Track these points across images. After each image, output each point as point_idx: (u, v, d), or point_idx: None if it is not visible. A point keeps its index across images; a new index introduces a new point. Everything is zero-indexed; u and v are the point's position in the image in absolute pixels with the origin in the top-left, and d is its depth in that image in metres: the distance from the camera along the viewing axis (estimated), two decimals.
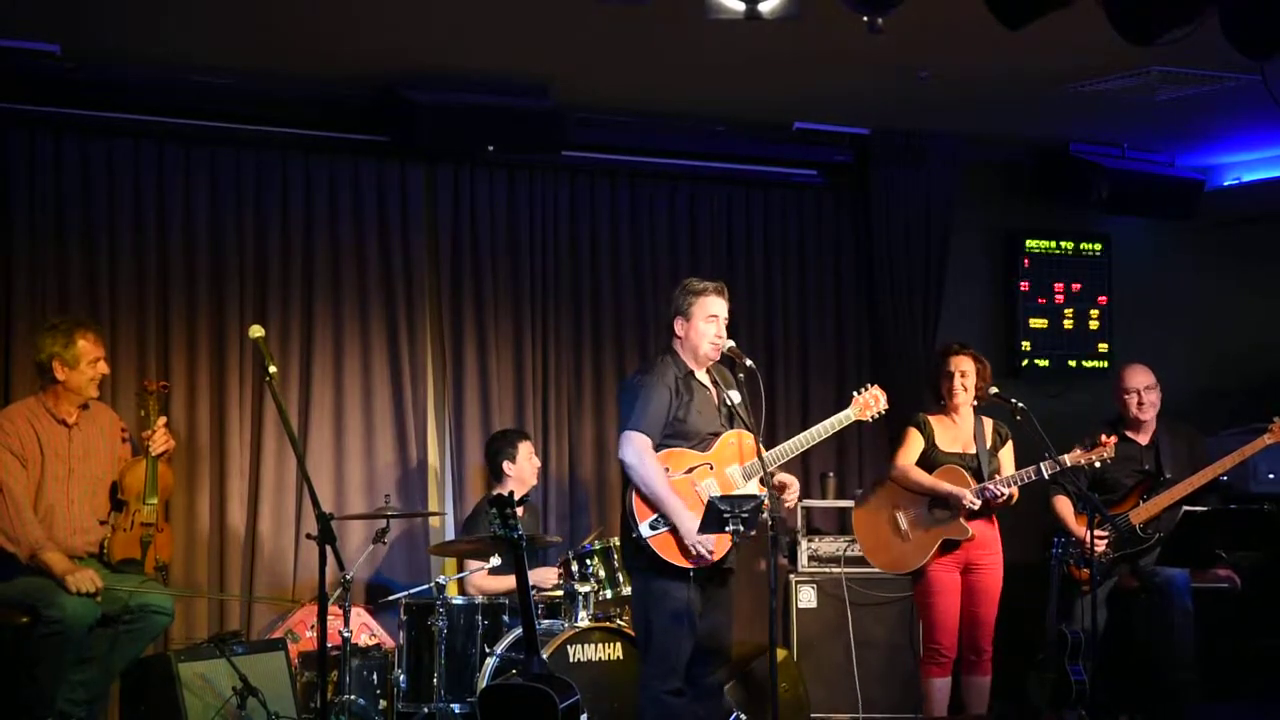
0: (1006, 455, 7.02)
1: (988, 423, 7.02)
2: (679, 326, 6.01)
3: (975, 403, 6.98)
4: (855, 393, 6.35)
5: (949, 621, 6.86)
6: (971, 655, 6.93)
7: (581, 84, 7.38)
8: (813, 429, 6.18)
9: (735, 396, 6.00)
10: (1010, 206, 9.22)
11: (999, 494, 6.77)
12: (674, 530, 5.77)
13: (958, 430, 6.98)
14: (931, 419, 7.00)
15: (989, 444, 6.97)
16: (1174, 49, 4.78)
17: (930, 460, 6.93)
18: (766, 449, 5.92)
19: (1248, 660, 8.02)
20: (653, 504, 5.80)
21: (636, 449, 5.83)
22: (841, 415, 6.25)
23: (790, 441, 6.12)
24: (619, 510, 6.04)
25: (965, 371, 6.91)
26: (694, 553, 5.75)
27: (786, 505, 6.17)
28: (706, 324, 5.96)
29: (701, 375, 6.04)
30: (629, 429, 5.87)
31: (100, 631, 6.18)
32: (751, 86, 7.46)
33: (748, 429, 5.93)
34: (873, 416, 6.34)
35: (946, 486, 6.81)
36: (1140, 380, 7.48)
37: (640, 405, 5.88)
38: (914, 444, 6.96)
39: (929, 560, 6.84)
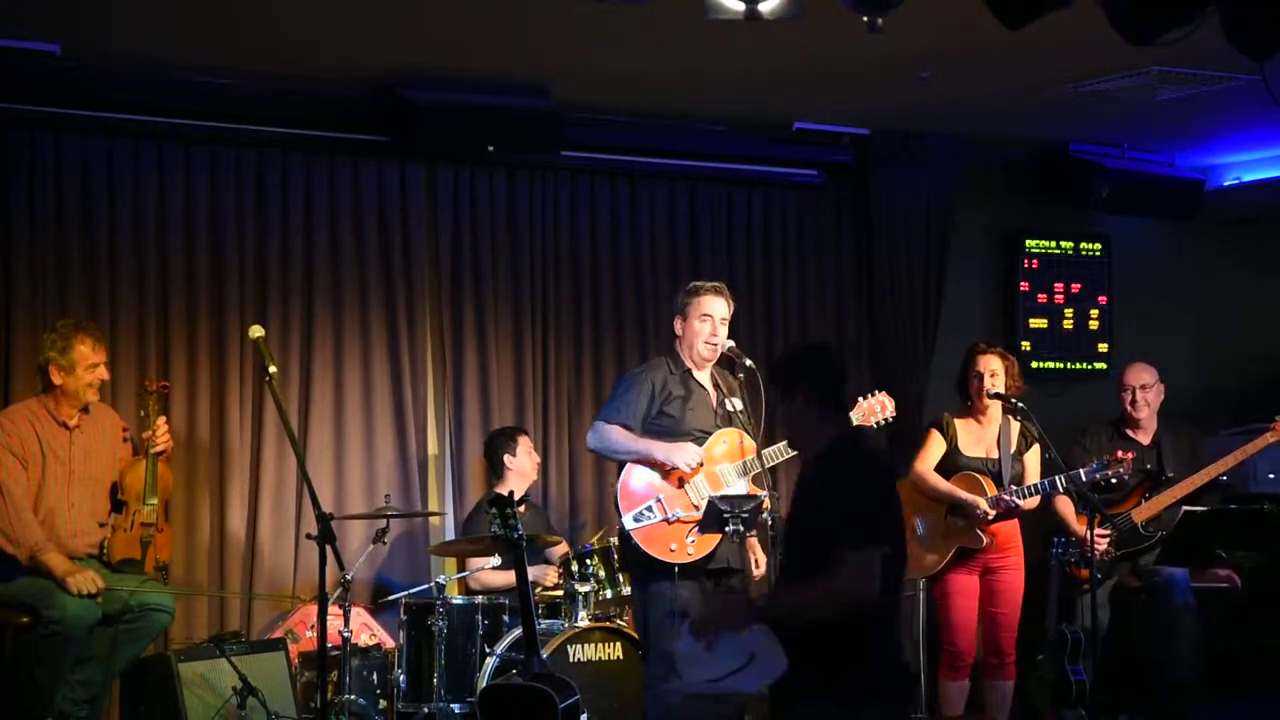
0: (1032, 459, 6.91)
1: (1015, 425, 6.89)
2: (678, 326, 6.06)
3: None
4: (860, 397, 6.28)
5: (966, 625, 6.82)
6: (993, 659, 6.88)
7: (581, 84, 7.38)
8: None
9: (736, 404, 5.99)
10: (1010, 206, 9.21)
11: (1015, 504, 6.69)
12: (660, 523, 5.82)
13: (982, 432, 6.87)
14: (956, 420, 6.89)
15: (1014, 447, 6.86)
16: (1174, 49, 4.76)
17: (952, 464, 6.82)
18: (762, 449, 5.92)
19: (1248, 660, 8.01)
20: (638, 490, 5.85)
21: (597, 433, 5.98)
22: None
23: (782, 444, 6.07)
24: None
25: (994, 371, 6.78)
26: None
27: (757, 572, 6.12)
28: (700, 323, 5.98)
29: (701, 376, 6.04)
30: (596, 419, 6.03)
31: (101, 631, 6.17)
32: (751, 86, 7.46)
33: (747, 432, 5.92)
34: (877, 424, 6.25)
35: (961, 494, 6.72)
36: (1137, 378, 7.46)
37: (616, 399, 6.02)
38: (935, 447, 6.85)
39: (944, 566, 6.81)
